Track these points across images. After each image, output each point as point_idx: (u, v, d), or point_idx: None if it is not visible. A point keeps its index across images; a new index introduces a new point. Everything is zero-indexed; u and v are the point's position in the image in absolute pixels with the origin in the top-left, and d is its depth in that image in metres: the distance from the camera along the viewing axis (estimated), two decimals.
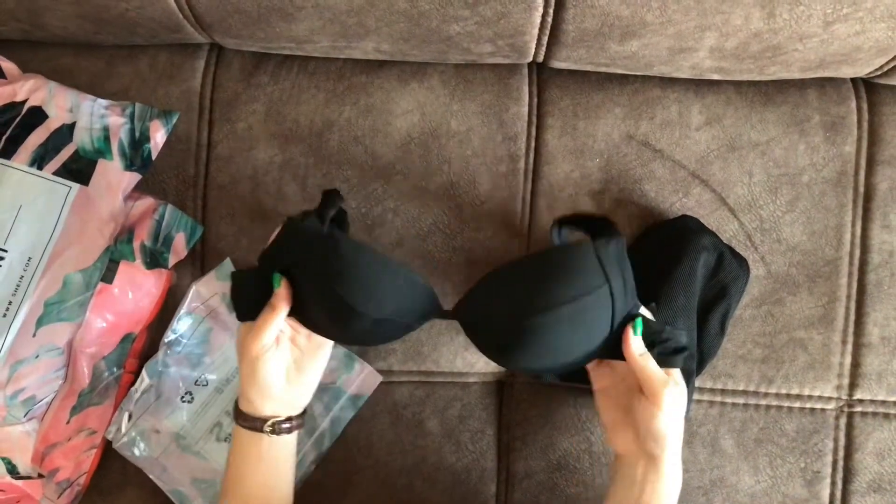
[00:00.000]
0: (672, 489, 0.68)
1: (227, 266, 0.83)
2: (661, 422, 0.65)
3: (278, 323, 0.68)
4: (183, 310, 0.82)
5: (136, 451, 0.81)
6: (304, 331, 0.72)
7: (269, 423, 0.70)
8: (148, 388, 0.81)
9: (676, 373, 0.68)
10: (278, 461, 0.72)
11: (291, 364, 0.71)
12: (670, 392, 0.65)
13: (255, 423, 0.70)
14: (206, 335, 0.82)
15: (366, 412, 0.84)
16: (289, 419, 0.71)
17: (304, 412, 0.74)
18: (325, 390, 0.83)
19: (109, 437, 0.81)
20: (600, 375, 0.72)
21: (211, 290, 0.82)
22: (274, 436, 0.70)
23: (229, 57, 0.87)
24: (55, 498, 0.78)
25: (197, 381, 0.82)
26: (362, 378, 0.84)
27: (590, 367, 0.73)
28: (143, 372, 0.81)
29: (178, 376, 0.82)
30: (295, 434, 0.73)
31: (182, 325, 0.82)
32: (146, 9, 0.76)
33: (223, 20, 0.77)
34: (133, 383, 0.81)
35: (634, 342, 0.67)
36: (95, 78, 0.85)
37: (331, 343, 0.73)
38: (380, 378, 0.84)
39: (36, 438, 0.75)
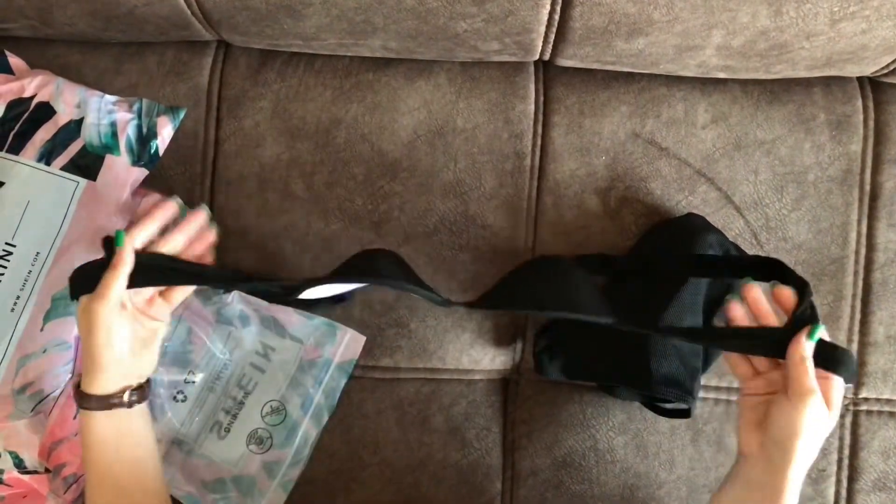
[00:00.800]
0: None
1: None
2: (795, 425, 0.62)
3: (122, 281, 0.67)
4: None
5: None
6: (145, 305, 0.71)
7: (125, 394, 0.69)
8: None
9: (835, 394, 0.65)
10: (139, 434, 0.71)
11: (135, 339, 0.69)
12: (816, 402, 0.62)
13: (110, 401, 0.69)
14: (187, 335, 0.82)
15: (371, 409, 0.84)
16: (140, 387, 0.71)
17: (149, 380, 0.73)
18: (313, 364, 0.83)
19: None
20: (754, 385, 0.69)
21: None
22: (131, 408, 0.69)
23: (236, 54, 0.87)
24: (62, 493, 0.78)
25: (186, 379, 0.82)
26: (346, 343, 0.83)
27: (743, 375, 0.70)
28: None
29: (168, 380, 0.82)
30: (146, 404, 0.72)
31: None
32: (154, 6, 0.76)
33: (231, 17, 0.77)
34: None
35: (806, 345, 0.64)
36: (103, 75, 0.85)
37: (166, 320, 0.72)
38: (363, 338, 0.84)
39: (43, 433, 0.75)
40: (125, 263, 0.67)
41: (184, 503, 0.82)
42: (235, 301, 0.83)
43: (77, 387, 0.69)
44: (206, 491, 0.81)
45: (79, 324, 0.69)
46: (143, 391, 0.71)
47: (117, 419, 0.69)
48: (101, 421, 0.69)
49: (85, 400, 0.69)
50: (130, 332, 0.69)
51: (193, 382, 0.82)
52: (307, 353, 0.83)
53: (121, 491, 0.70)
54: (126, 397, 0.69)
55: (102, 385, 0.68)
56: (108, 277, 0.67)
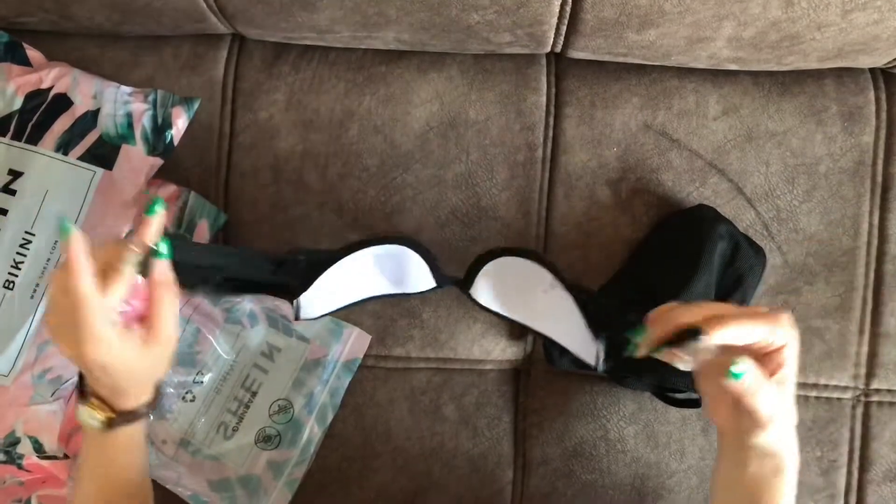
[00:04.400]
0: (780, 472, 0.62)
1: None
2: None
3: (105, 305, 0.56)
4: None
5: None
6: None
7: (153, 398, 0.64)
8: None
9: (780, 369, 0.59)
10: (144, 440, 0.66)
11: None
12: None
13: (143, 410, 0.63)
14: (195, 335, 0.82)
15: (383, 398, 0.85)
16: (157, 387, 0.65)
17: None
18: (318, 363, 0.83)
19: None
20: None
21: None
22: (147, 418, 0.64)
23: (251, 47, 0.88)
24: None
25: (195, 380, 0.82)
26: (352, 342, 0.84)
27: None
28: None
29: (177, 380, 0.82)
30: None
31: None
32: None
33: (246, 10, 0.78)
34: None
35: (738, 385, 0.57)
36: (120, 68, 0.86)
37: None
38: (369, 337, 0.84)
39: (62, 419, 0.76)
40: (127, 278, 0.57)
41: (190, 503, 0.83)
42: (245, 300, 0.83)
43: (114, 419, 0.61)
44: (212, 491, 0.82)
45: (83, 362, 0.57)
46: (158, 389, 0.65)
47: (141, 426, 0.64)
48: (126, 433, 0.62)
49: (117, 421, 0.61)
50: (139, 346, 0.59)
51: (202, 383, 0.82)
52: (312, 352, 0.84)
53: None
54: (155, 401, 0.64)
55: (134, 400, 0.62)
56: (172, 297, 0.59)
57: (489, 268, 0.76)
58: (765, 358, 0.59)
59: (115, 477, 0.64)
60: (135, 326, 0.58)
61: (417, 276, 0.77)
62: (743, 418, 0.60)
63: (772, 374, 0.59)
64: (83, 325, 0.54)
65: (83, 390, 0.62)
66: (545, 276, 0.74)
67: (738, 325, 0.57)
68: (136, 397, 0.62)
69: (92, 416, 0.61)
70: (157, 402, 0.65)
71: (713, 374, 0.60)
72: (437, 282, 0.77)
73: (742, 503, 0.64)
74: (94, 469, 0.64)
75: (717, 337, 0.56)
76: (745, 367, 0.56)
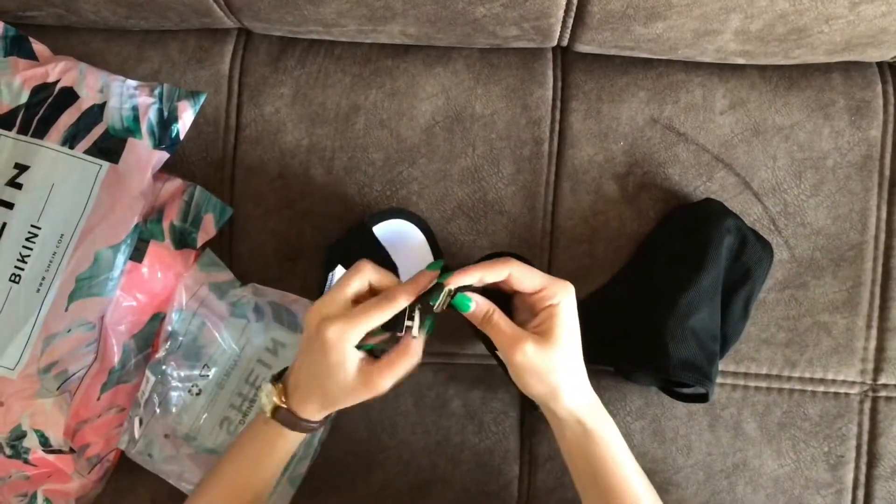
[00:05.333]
0: (590, 437, 0.67)
1: (210, 256, 0.84)
2: (520, 377, 0.65)
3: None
4: (174, 307, 0.82)
5: (151, 458, 0.81)
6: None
7: (317, 426, 0.69)
8: (154, 388, 0.81)
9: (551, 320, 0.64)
10: (291, 452, 0.72)
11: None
12: (521, 352, 0.63)
13: (319, 423, 0.69)
14: (200, 329, 0.82)
15: (389, 393, 0.84)
16: (323, 422, 0.71)
17: None
18: None
19: (122, 446, 0.81)
20: None
21: (198, 281, 0.82)
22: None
23: (257, 41, 0.88)
24: (86, 473, 0.79)
25: (201, 374, 0.82)
26: None
27: None
28: (147, 371, 0.81)
29: (181, 373, 0.82)
30: None
31: (175, 322, 0.82)
32: None
33: (252, 3, 0.78)
34: None
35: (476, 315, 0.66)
36: (126, 62, 0.86)
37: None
38: None
39: (68, 413, 0.76)
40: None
41: None
42: (251, 294, 0.83)
43: (281, 409, 0.67)
44: None
45: (320, 346, 0.63)
46: (326, 419, 0.71)
47: (299, 440, 0.71)
48: (293, 440, 0.69)
49: (293, 419, 0.67)
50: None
51: (207, 377, 0.82)
52: None
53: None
54: (319, 426, 0.70)
55: (321, 412, 0.67)
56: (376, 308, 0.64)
57: None
58: (539, 311, 0.65)
59: (262, 468, 0.70)
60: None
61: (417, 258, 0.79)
62: (538, 384, 0.65)
63: (540, 325, 0.64)
64: (355, 327, 0.63)
65: (280, 377, 0.69)
66: None
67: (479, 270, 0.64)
68: (312, 414, 0.67)
69: (269, 396, 0.68)
70: (319, 428, 0.70)
71: (499, 342, 0.65)
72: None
73: (582, 471, 0.70)
74: (244, 459, 0.71)
75: (456, 281, 0.64)
76: (474, 298, 0.65)
